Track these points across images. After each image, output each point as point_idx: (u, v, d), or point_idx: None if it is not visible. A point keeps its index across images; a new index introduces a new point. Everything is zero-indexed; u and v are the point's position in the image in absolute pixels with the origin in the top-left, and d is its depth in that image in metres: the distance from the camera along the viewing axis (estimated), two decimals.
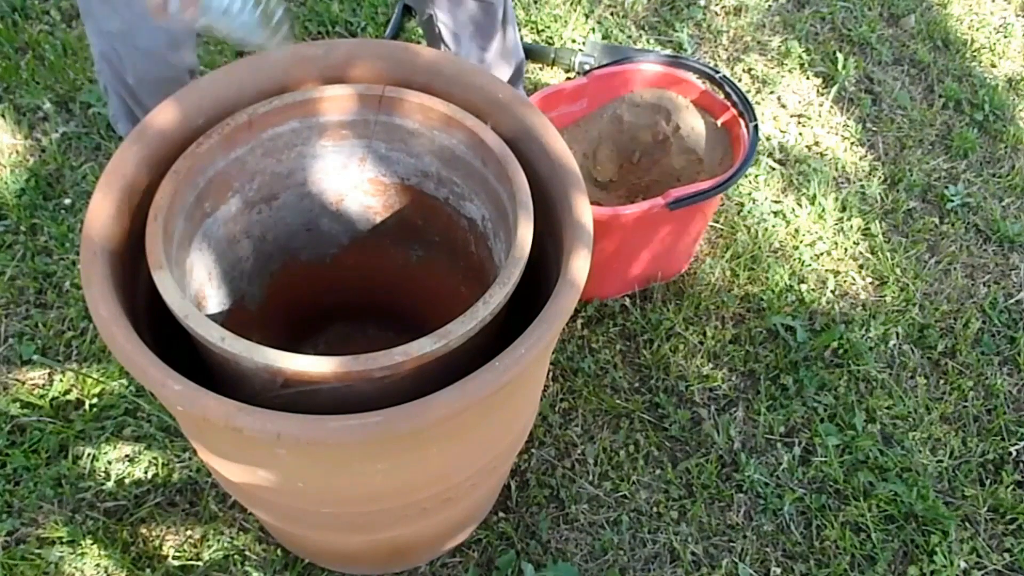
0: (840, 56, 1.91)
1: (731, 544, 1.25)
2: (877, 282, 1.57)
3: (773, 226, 1.62)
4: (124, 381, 1.31)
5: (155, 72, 1.22)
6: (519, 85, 1.53)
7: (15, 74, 1.68)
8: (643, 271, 1.45)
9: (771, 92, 1.85)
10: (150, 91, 1.24)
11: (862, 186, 1.71)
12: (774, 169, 1.71)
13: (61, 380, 1.31)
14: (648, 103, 1.47)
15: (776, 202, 1.66)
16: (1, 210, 1.49)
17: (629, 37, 1.92)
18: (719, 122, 1.42)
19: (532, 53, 1.79)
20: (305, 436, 0.68)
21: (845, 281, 1.56)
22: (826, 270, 1.57)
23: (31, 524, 1.19)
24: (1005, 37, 2.06)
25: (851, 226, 1.64)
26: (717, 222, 1.61)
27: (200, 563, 1.17)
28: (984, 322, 1.54)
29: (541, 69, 1.81)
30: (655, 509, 1.27)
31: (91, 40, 1.26)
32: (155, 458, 1.25)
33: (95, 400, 1.29)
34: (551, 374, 1.39)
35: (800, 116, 1.82)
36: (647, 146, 1.49)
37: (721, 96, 1.40)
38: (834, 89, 1.86)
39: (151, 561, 1.17)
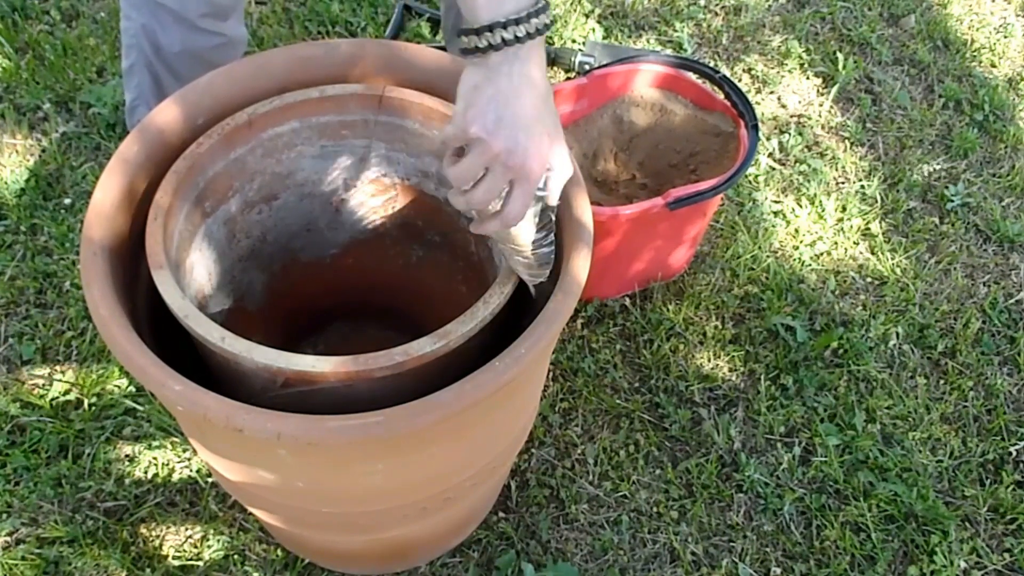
0: (840, 56, 1.91)
1: (731, 544, 1.25)
2: (877, 282, 1.57)
3: (773, 226, 1.62)
4: (124, 381, 1.31)
5: (200, 42, 1.20)
6: None
7: (15, 74, 1.68)
8: (643, 271, 1.45)
9: (771, 92, 1.85)
10: (191, 63, 1.21)
11: (862, 186, 1.71)
12: (774, 169, 1.71)
13: (61, 380, 1.31)
14: (648, 103, 1.47)
15: (776, 202, 1.66)
16: (1, 210, 1.49)
17: (629, 37, 1.92)
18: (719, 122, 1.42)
19: None
20: (305, 436, 0.68)
21: (845, 281, 1.56)
22: (826, 270, 1.57)
23: (31, 524, 1.19)
24: (1005, 37, 2.06)
25: (851, 226, 1.64)
26: (717, 222, 1.61)
27: (200, 563, 1.17)
28: (984, 322, 1.54)
29: None
30: (655, 509, 1.27)
31: (128, 14, 1.22)
32: (155, 458, 1.25)
33: (95, 400, 1.29)
34: (551, 374, 1.39)
35: (800, 116, 1.82)
36: (648, 146, 1.49)
37: (721, 96, 1.40)
38: (834, 89, 1.86)
39: (151, 561, 1.17)
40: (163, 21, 1.18)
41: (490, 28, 0.63)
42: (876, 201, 1.69)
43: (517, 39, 0.63)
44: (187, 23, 1.17)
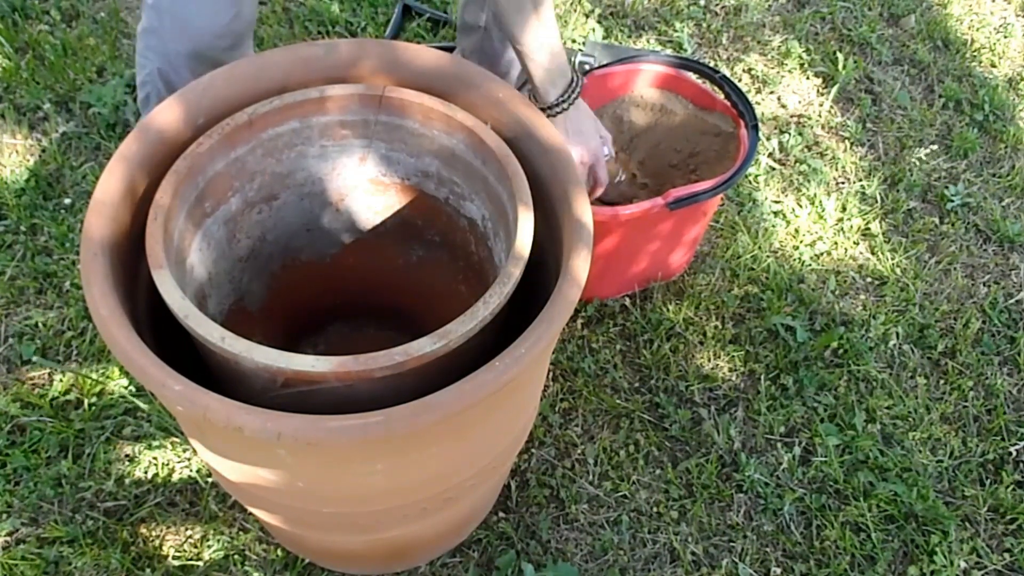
0: (840, 56, 1.91)
1: (731, 544, 1.25)
2: (877, 282, 1.57)
3: (773, 226, 1.62)
4: (124, 381, 1.31)
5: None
6: None
7: (15, 74, 1.68)
8: (643, 271, 1.45)
9: (771, 92, 1.85)
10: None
11: (862, 186, 1.71)
12: (774, 169, 1.71)
13: (61, 380, 1.31)
14: (648, 103, 1.47)
15: (776, 202, 1.66)
16: (1, 210, 1.49)
17: (629, 37, 1.92)
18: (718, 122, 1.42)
19: None
20: (305, 436, 0.68)
21: (845, 281, 1.56)
22: (826, 270, 1.57)
23: (31, 524, 1.19)
24: (1005, 37, 2.06)
25: (851, 226, 1.64)
26: (717, 222, 1.61)
27: (200, 563, 1.17)
28: (984, 322, 1.54)
29: None
30: (655, 509, 1.27)
31: (144, 55, 1.26)
32: (155, 458, 1.25)
33: (95, 400, 1.29)
34: (551, 374, 1.39)
35: (800, 116, 1.82)
36: (648, 146, 1.49)
37: (721, 96, 1.40)
38: (834, 89, 1.86)
39: (151, 561, 1.17)
40: (177, 67, 1.23)
41: (557, 104, 1.09)
42: (876, 201, 1.69)
43: (572, 103, 1.11)
44: (201, 58, 1.20)
